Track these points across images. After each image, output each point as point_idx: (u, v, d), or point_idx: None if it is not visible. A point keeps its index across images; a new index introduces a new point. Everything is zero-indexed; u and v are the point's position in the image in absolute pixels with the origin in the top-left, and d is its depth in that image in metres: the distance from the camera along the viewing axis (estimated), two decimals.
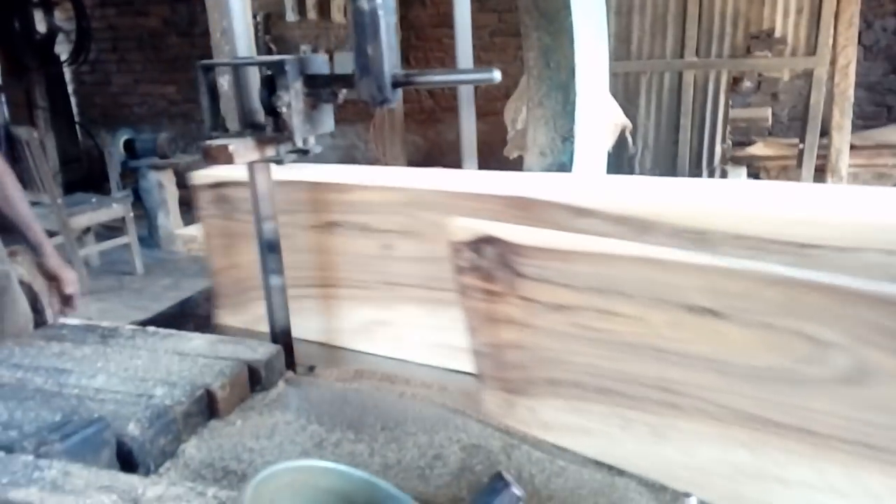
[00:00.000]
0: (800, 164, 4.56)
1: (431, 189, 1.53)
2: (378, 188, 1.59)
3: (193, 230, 2.28)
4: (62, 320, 1.66)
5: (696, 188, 1.42)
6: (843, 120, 4.43)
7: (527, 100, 2.56)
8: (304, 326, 1.71)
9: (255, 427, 1.29)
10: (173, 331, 1.54)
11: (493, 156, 3.60)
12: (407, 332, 1.61)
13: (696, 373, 1.03)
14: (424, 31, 6.16)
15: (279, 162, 1.42)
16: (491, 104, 5.36)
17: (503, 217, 1.39)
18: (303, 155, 1.42)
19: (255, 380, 1.39)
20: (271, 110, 1.38)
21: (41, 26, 6.61)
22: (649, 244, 1.11)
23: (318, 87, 1.37)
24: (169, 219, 5.94)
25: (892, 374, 0.89)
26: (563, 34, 2.37)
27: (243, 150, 1.36)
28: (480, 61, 3.65)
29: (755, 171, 4.78)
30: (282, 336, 1.53)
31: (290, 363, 1.52)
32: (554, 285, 1.14)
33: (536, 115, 2.46)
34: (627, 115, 3.88)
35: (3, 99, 6.62)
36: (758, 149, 4.99)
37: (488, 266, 1.20)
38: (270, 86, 1.37)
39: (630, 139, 4.10)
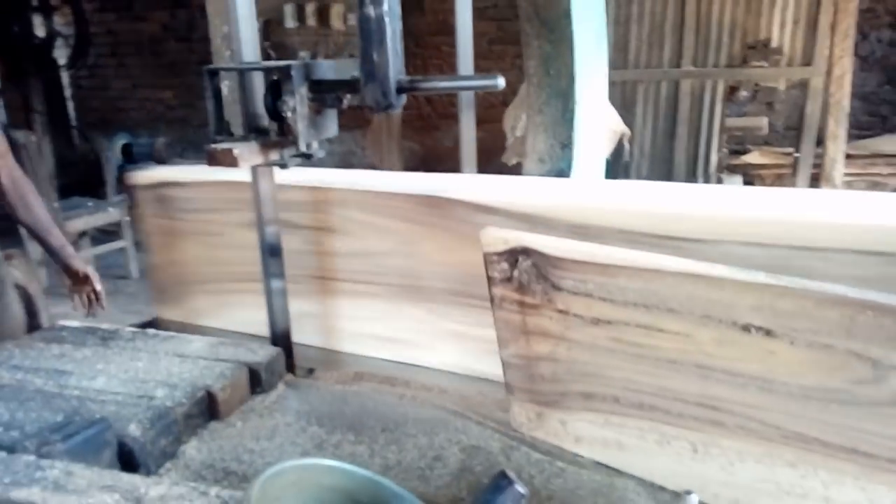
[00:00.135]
0: (795, 173, 4.58)
1: (350, 188, 1.60)
2: (300, 188, 1.66)
3: None
4: (61, 322, 1.66)
5: (587, 189, 1.56)
6: (838, 129, 4.45)
7: (526, 107, 2.58)
8: (242, 319, 1.81)
9: (255, 429, 1.29)
10: (173, 333, 1.54)
11: (491, 163, 3.61)
12: (333, 322, 1.68)
13: (742, 391, 1.02)
14: (423, 39, 6.18)
15: (283, 166, 1.43)
16: (489, 112, 5.37)
17: (414, 214, 1.51)
18: (306, 159, 1.43)
19: (255, 382, 1.40)
20: (276, 115, 1.39)
21: (40, 31, 6.60)
22: (542, 234, 1.19)
23: (323, 93, 1.38)
24: None
25: None
26: (564, 42, 2.39)
27: (248, 153, 1.37)
28: (479, 69, 3.66)
29: (750, 179, 4.80)
30: (282, 339, 1.54)
31: (290, 366, 1.53)
32: (593, 299, 1.11)
33: (536, 122, 2.47)
34: (625, 124, 3.90)
35: (1, 103, 6.61)
36: (753, 157, 5.02)
37: (523, 278, 1.18)
38: (275, 91, 1.38)
39: (628, 147, 4.11)
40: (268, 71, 1.41)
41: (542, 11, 2.45)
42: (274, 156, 1.43)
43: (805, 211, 1.25)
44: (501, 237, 1.19)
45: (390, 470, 1.16)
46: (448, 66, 6.26)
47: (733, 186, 1.54)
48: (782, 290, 0.95)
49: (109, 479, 0.97)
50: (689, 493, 0.80)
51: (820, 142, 4.52)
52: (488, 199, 1.45)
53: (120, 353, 1.43)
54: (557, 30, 2.43)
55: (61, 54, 6.90)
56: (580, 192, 1.52)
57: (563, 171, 2.40)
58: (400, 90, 1.34)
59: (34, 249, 3.36)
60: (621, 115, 3.89)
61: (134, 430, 1.14)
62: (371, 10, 1.29)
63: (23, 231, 2.40)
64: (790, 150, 4.92)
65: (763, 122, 5.09)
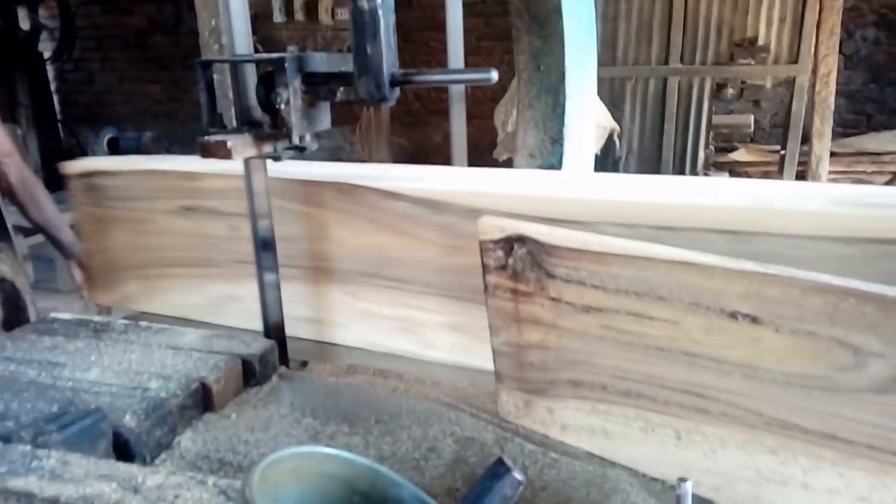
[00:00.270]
0: (781, 171, 4.63)
1: (271, 177, 1.65)
2: (223, 176, 1.73)
3: None
4: (53, 314, 1.65)
5: (480, 176, 1.66)
6: (823, 127, 4.50)
7: (517, 102, 2.59)
8: (172, 303, 1.89)
9: (249, 420, 1.30)
10: (166, 325, 1.54)
11: (480, 158, 3.63)
12: (255, 305, 1.73)
13: (727, 378, 1.04)
14: (411, 34, 6.17)
15: (276, 158, 1.43)
16: (477, 108, 5.38)
17: (329, 200, 1.60)
18: (299, 152, 1.43)
19: (249, 374, 1.40)
20: (268, 107, 1.39)
21: (25, 24, 6.54)
22: (443, 217, 1.37)
23: (317, 85, 1.38)
24: None
25: None
26: (554, 38, 2.40)
27: (241, 146, 1.37)
28: (467, 65, 3.68)
29: (737, 176, 4.84)
30: (275, 331, 1.54)
31: (284, 358, 1.53)
32: (585, 287, 1.13)
33: (526, 117, 2.49)
34: (613, 120, 3.93)
35: None
36: (740, 155, 5.06)
37: (518, 265, 1.20)
38: (268, 83, 1.38)
39: (617, 142, 4.14)
40: (261, 63, 1.41)
41: (533, 7, 2.46)
42: (267, 148, 1.43)
43: (667, 194, 1.40)
44: (498, 225, 1.20)
45: (385, 461, 1.17)
46: (436, 61, 6.27)
47: (609, 174, 1.64)
48: (770, 278, 0.97)
49: (106, 469, 0.97)
50: (683, 480, 0.81)
51: (806, 139, 4.57)
52: (394, 185, 1.56)
53: (113, 345, 1.43)
54: (548, 25, 2.45)
55: (46, 47, 6.84)
56: (474, 179, 1.62)
57: (553, 167, 2.41)
58: (393, 83, 1.35)
59: (20, 244, 3.34)
60: (610, 112, 3.91)
61: (129, 420, 1.14)
62: (365, 3, 1.30)
63: (9, 225, 2.39)
64: (776, 147, 4.97)
65: (749, 119, 5.14)
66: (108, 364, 1.35)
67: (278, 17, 5.94)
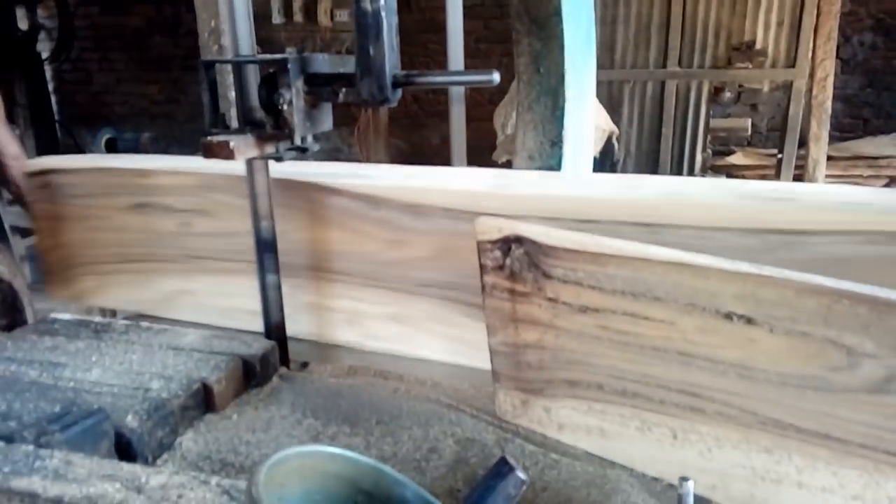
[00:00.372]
0: (778, 174, 4.65)
1: (220, 173, 1.72)
2: (174, 173, 1.78)
3: None
4: (53, 315, 1.65)
5: (416, 173, 1.71)
6: (820, 131, 4.52)
7: (516, 104, 2.59)
8: (119, 297, 1.95)
9: (251, 421, 1.30)
10: (167, 326, 1.54)
11: (478, 159, 3.63)
12: (206, 299, 1.80)
13: (722, 378, 1.05)
14: (410, 37, 6.19)
15: (279, 159, 1.43)
16: (475, 110, 5.39)
17: (273, 196, 1.60)
18: (302, 153, 1.44)
19: (249, 374, 1.40)
20: (270, 108, 1.39)
21: (23, 23, 6.53)
22: (383, 212, 1.46)
23: (319, 86, 1.38)
24: None
25: None
26: (554, 40, 2.41)
27: (244, 146, 1.37)
28: (466, 67, 3.69)
29: (734, 179, 4.85)
30: (276, 332, 1.54)
31: (284, 359, 1.53)
32: (582, 287, 1.14)
33: (526, 119, 2.49)
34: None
35: None
36: (737, 158, 5.08)
37: (515, 266, 1.20)
38: (270, 84, 1.38)
39: (616, 145, 4.15)
40: (264, 64, 1.42)
41: (533, 9, 2.46)
42: (270, 149, 1.43)
43: (587, 190, 1.51)
44: (496, 226, 1.21)
45: (387, 462, 1.17)
46: (435, 63, 6.28)
47: (537, 172, 1.73)
48: (764, 280, 0.98)
49: (109, 469, 0.98)
50: (685, 479, 0.81)
51: (803, 143, 4.59)
52: (335, 182, 1.61)
53: (114, 346, 1.43)
54: (547, 28, 2.45)
55: (44, 47, 6.83)
56: (412, 176, 1.67)
57: (552, 169, 2.42)
58: (396, 84, 1.35)
59: (18, 244, 3.34)
60: (608, 115, 3.93)
61: (131, 421, 1.14)
62: (368, 5, 1.30)
63: (6, 225, 2.39)
64: (773, 151, 4.99)
65: (747, 123, 5.16)
66: (109, 364, 1.35)
67: (277, 19, 5.95)
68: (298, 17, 5.89)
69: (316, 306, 1.70)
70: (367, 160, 5.26)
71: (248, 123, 1.44)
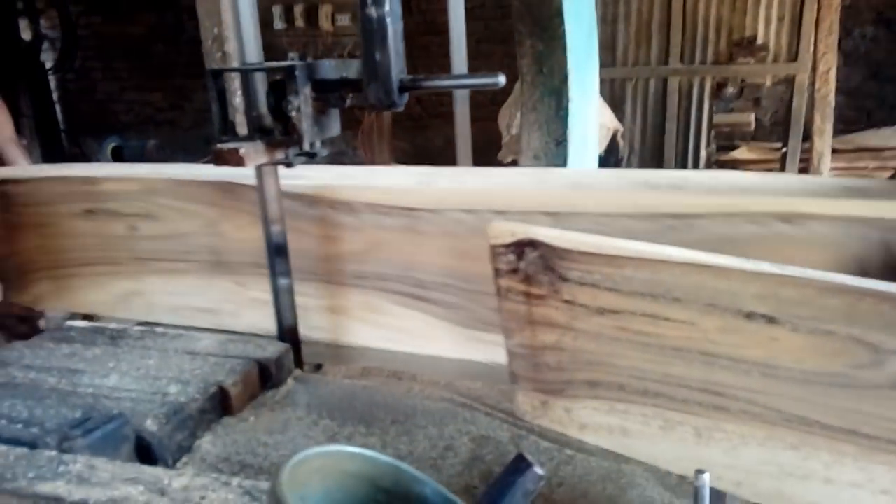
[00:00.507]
0: (783, 168, 4.65)
1: (162, 179, 1.80)
2: (120, 179, 1.86)
3: None
4: (68, 322, 1.67)
5: (343, 172, 1.78)
6: (824, 124, 4.52)
7: (520, 105, 2.61)
8: (74, 301, 2.00)
9: (267, 423, 1.31)
10: (182, 331, 1.56)
11: (482, 159, 3.65)
12: (156, 298, 1.87)
13: (745, 376, 1.05)
14: (412, 39, 6.19)
15: (288, 164, 1.45)
16: (478, 110, 5.40)
17: (215, 199, 1.72)
18: (310, 158, 1.45)
19: (265, 377, 1.42)
20: (279, 114, 1.41)
21: (26, 34, 6.58)
22: (317, 210, 1.57)
23: (327, 92, 1.40)
24: None
25: None
26: (556, 41, 2.42)
27: (253, 153, 1.39)
28: (468, 68, 3.71)
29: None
30: (289, 335, 1.56)
31: (298, 361, 1.55)
32: (599, 289, 1.14)
33: (530, 119, 2.51)
34: None
35: None
36: (741, 153, 5.08)
37: (530, 269, 1.20)
38: (278, 91, 1.40)
39: (621, 142, 4.16)
40: (271, 71, 1.43)
41: (535, 10, 2.48)
42: (279, 155, 1.45)
43: (501, 183, 1.61)
44: (508, 229, 1.21)
45: (403, 460, 1.17)
46: (437, 66, 6.28)
47: (455, 168, 1.78)
48: (786, 279, 0.98)
49: (132, 472, 0.99)
50: (701, 472, 0.82)
51: (807, 137, 4.59)
52: None
53: (130, 352, 1.45)
54: (550, 28, 2.47)
55: (48, 57, 6.87)
56: (338, 176, 1.75)
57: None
58: (402, 89, 1.37)
59: None
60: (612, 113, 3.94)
61: (151, 425, 1.16)
62: (373, 11, 1.32)
63: None
64: (777, 145, 4.99)
65: (750, 117, 5.16)
66: (126, 370, 1.37)
67: (279, 24, 5.97)
68: (300, 22, 5.92)
69: (260, 301, 1.76)
70: (372, 162, 5.28)
71: (257, 130, 1.46)
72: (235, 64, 2.60)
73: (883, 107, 5.78)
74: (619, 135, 3.74)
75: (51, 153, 6.31)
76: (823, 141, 4.52)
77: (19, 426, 1.14)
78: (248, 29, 1.49)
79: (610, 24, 4.85)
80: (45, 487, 0.97)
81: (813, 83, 4.51)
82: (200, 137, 6.36)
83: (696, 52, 4.79)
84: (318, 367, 1.59)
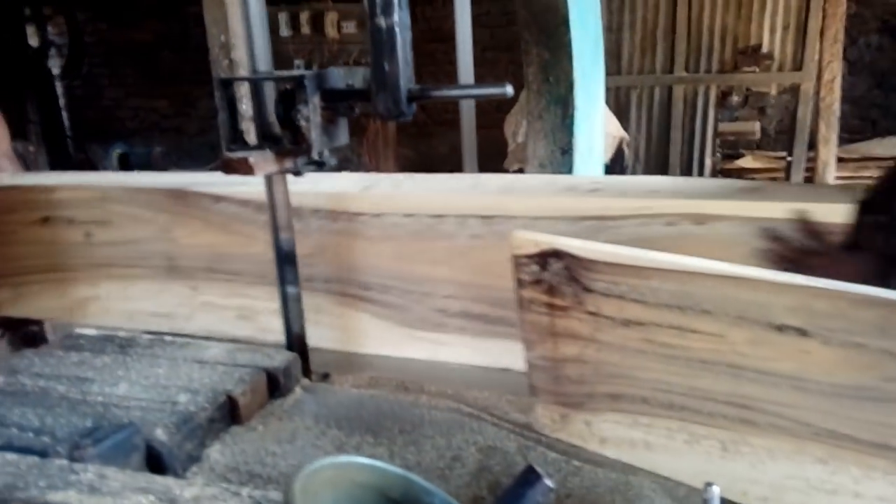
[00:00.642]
0: (788, 177, 4.65)
1: (116, 186, 1.87)
2: (75, 187, 1.92)
3: None
4: (77, 330, 1.68)
5: (293, 179, 1.78)
6: (829, 133, 4.53)
7: (526, 113, 2.62)
8: (33, 307, 2.05)
9: (276, 432, 1.32)
10: (190, 339, 1.56)
11: (487, 166, 3.66)
12: (111, 303, 1.94)
13: (774, 389, 1.04)
14: (417, 47, 6.20)
15: (297, 173, 1.46)
16: (483, 117, 5.41)
17: (167, 205, 1.78)
18: (319, 167, 1.46)
19: (273, 386, 1.42)
20: (288, 124, 1.42)
21: (33, 41, 6.61)
22: (266, 215, 1.55)
23: (336, 101, 1.41)
24: None
25: None
26: (562, 50, 2.43)
27: (263, 162, 1.39)
28: (473, 76, 3.72)
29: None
30: (297, 344, 1.56)
31: (306, 370, 1.55)
32: (625, 301, 1.13)
33: (536, 128, 2.52)
34: None
35: None
36: (746, 162, 5.08)
37: (554, 280, 1.19)
38: (287, 100, 1.41)
39: (628, 151, 4.17)
40: (280, 81, 1.44)
41: (541, 19, 2.49)
42: (288, 164, 1.45)
43: (438, 188, 1.70)
44: (532, 240, 1.20)
45: (411, 471, 1.17)
46: (442, 73, 6.32)
47: (397, 175, 1.92)
48: (818, 291, 0.97)
49: (143, 482, 1.00)
50: (710, 484, 0.82)
51: (811, 146, 4.59)
52: (221, 190, 1.75)
53: (139, 360, 1.45)
54: (556, 37, 2.48)
55: (55, 64, 6.91)
56: (289, 181, 1.78)
57: None
58: (411, 99, 1.38)
59: None
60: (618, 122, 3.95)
61: (160, 434, 1.16)
62: (382, 21, 1.33)
63: None
64: (782, 153, 4.99)
65: (755, 126, 5.17)
66: (135, 379, 1.37)
67: (284, 31, 6.01)
68: (306, 29, 5.95)
69: (210, 305, 1.83)
70: (377, 170, 5.30)
71: (266, 139, 1.47)
72: (243, 71, 2.62)
73: (888, 116, 5.78)
74: (624, 143, 3.75)
75: (57, 159, 6.33)
76: (828, 150, 4.53)
77: (30, 434, 1.14)
78: (258, 37, 1.48)
79: (615, 32, 4.87)
80: (57, 497, 0.97)
81: (818, 92, 4.52)
82: (206, 144, 6.39)
83: (700, 61, 4.80)
84: (326, 377, 1.59)
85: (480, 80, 3.38)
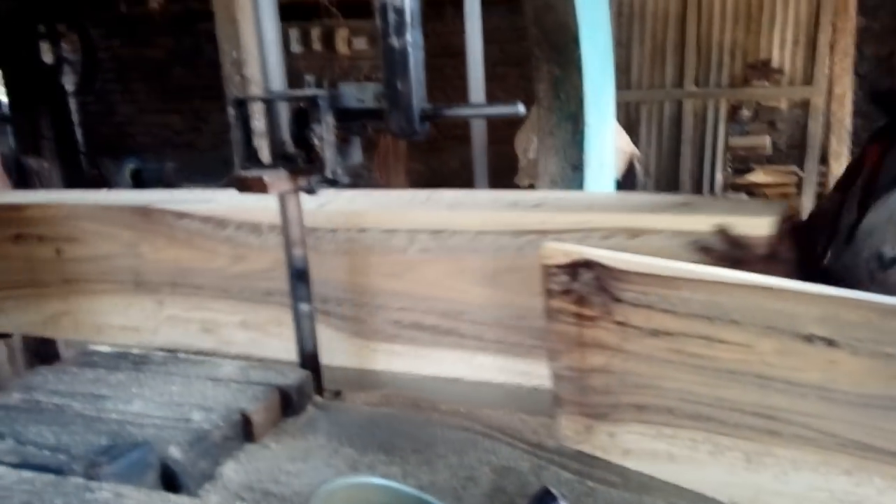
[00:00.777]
0: (800, 192, 4.64)
1: (83, 204, 1.92)
2: (45, 206, 1.97)
3: None
4: (91, 347, 1.69)
5: (255, 197, 1.81)
6: (840, 147, 4.52)
7: (537, 130, 2.63)
8: (8, 322, 2.10)
9: (289, 450, 1.32)
10: (204, 357, 1.57)
11: (498, 182, 3.66)
12: (82, 317, 1.97)
13: (801, 400, 1.04)
14: (427, 62, 6.25)
15: (311, 192, 1.47)
16: (493, 133, 5.43)
17: (132, 222, 1.82)
18: (333, 185, 1.47)
19: (286, 404, 1.42)
20: (302, 142, 1.43)
21: (47, 57, 6.69)
22: (227, 231, 1.71)
23: (349, 120, 1.42)
24: None
25: None
26: (573, 66, 2.44)
27: (277, 181, 1.40)
28: (484, 91, 3.74)
29: (756, 198, 4.85)
30: (310, 361, 1.56)
31: (318, 388, 1.56)
32: (654, 311, 1.13)
33: (547, 144, 2.53)
34: None
35: (11, 130, 6.68)
36: (757, 176, 5.07)
37: (583, 290, 1.19)
38: (301, 119, 1.42)
39: (638, 167, 4.17)
40: (294, 100, 1.45)
41: (551, 36, 2.51)
42: (301, 182, 1.46)
43: (390, 204, 1.76)
44: (562, 250, 1.20)
45: (424, 490, 1.18)
46: (451, 87, 6.34)
47: (353, 191, 1.94)
48: (847, 302, 0.97)
49: (158, 500, 1.00)
50: None
51: (823, 160, 4.58)
52: (184, 207, 1.79)
53: (153, 378, 1.46)
54: (566, 54, 2.49)
55: (69, 80, 6.98)
56: (244, 199, 1.78)
57: None
58: (424, 118, 1.38)
59: None
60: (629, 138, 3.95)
61: (175, 452, 1.17)
62: (395, 41, 1.34)
63: None
64: (793, 168, 4.98)
65: (766, 140, 5.15)
66: (150, 396, 1.37)
67: (296, 48, 6.06)
68: (317, 45, 6.00)
69: (175, 318, 1.87)
70: (388, 185, 5.31)
71: (280, 157, 1.48)
72: (255, 88, 2.65)
73: None
74: (636, 160, 3.75)
75: (70, 175, 6.39)
76: (840, 165, 4.51)
77: (46, 452, 1.15)
78: (271, 55, 1.50)
79: (624, 46, 4.88)
80: None
81: (828, 106, 4.51)
82: (218, 159, 6.42)
83: (710, 75, 4.81)
84: (338, 394, 1.59)
85: (491, 95, 3.39)
